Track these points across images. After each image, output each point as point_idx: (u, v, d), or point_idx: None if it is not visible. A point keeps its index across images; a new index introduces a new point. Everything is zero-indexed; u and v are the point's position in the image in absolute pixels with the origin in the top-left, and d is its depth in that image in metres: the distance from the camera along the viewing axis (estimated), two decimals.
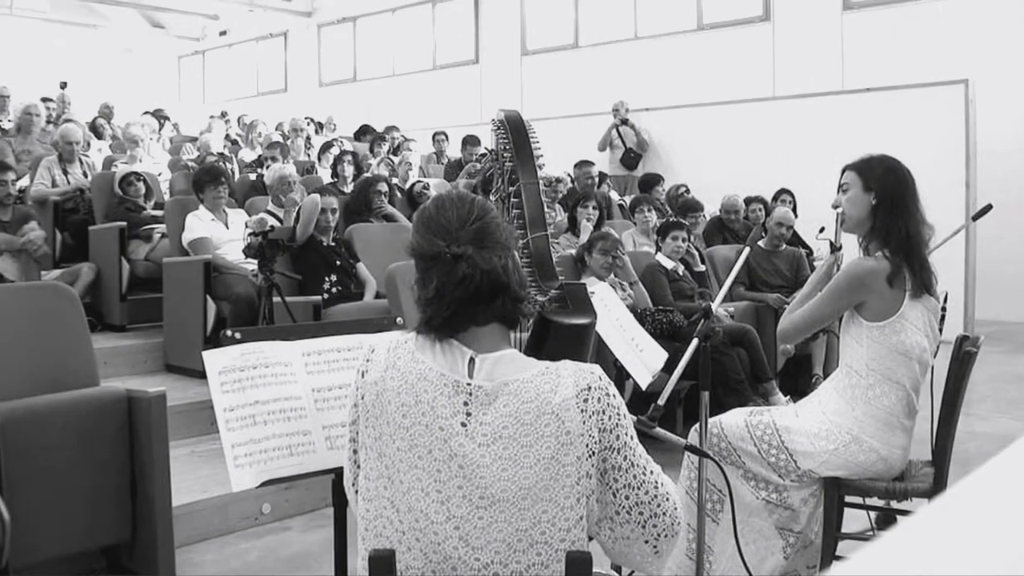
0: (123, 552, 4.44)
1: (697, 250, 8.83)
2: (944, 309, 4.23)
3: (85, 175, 9.85)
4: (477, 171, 11.33)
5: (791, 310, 4.16)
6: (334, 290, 7.53)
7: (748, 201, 11.14)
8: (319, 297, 7.29)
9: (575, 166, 11.91)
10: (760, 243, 9.25)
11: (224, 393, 3.02)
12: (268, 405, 3.07)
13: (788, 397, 7.40)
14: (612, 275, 7.33)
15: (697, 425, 3.88)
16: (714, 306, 3.95)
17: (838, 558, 3.98)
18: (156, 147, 13.31)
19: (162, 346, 7.96)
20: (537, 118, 6.11)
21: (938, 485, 3.89)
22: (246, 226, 6.99)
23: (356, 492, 2.38)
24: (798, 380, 8.56)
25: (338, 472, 3.04)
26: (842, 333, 4.01)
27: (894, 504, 4.41)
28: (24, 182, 9.73)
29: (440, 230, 2.27)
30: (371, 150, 14.30)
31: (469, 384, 2.22)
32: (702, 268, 8.70)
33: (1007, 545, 0.77)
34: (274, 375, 3.13)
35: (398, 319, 3.67)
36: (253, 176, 10.96)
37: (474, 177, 11.23)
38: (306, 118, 16.30)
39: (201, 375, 6.40)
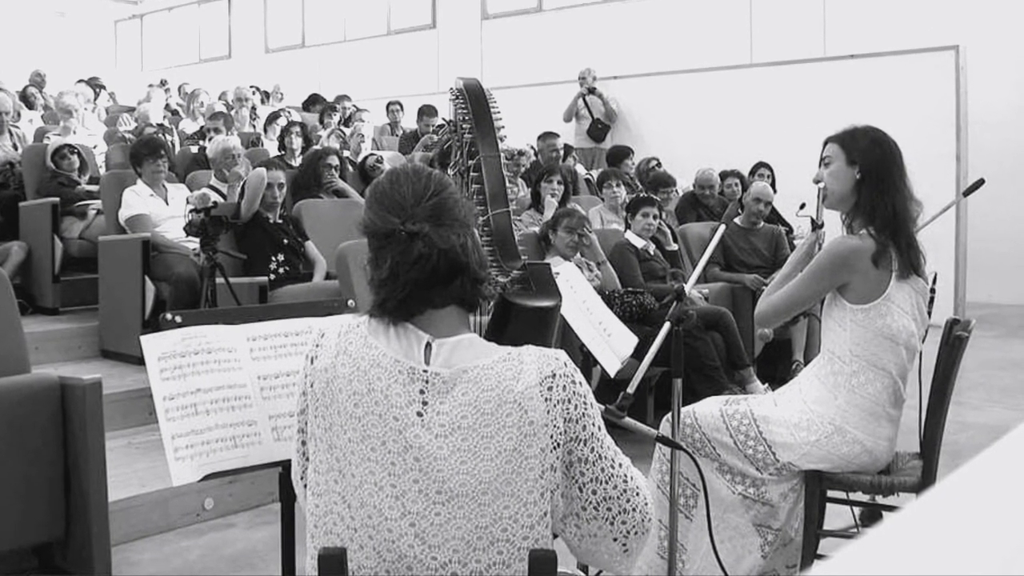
0: (56, 550, 4.41)
1: (669, 228, 8.82)
2: (933, 291, 4.25)
3: (15, 147, 9.83)
4: (434, 143, 11.33)
5: (769, 292, 4.15)
6: (281, 270, 7.52)
7: (723, 175, 11.19)
8: (265, 278, 7.28)
9: (539, 138, 11.87)
10: (736, 220, 9.27)
11: (163, 380, 3.00)
12: (211, 393, 3.06)
13: (766, 385, 7.43)
14: (578, 254, 7.32)
15: (669, 415, 3.88)
16: (687, 287, 3.94)
17: (820, 557, 4.00)
18: (91, 118, 13.22)
19: (97, 330, 7.90)
20: (498, 87, 6.11)
21: (926, 479, 3.91)
22: (187, 202, 6.98)
23: (305, 486, 2.37)
24: (777, 367, 8.57)
25: (285, 465, 3.03)
26: (824, 316, 4.01)
27: (879, 499, 4.42)
28: None
29: (394, 206, 2.26)
30: (321, 121, 14.29)
31: (425, 371, 2.21)
32: (674, 247, 8.70)
33: (1000, 543, 0.77)
34: (217, 361, 3.12)
35: (349, 301, 3.66)
36: (195, 149, 10.93)
37: (431, 150, 11.23)
38: (251, 87, 16.19)
39: (139, 361, 6.38)
